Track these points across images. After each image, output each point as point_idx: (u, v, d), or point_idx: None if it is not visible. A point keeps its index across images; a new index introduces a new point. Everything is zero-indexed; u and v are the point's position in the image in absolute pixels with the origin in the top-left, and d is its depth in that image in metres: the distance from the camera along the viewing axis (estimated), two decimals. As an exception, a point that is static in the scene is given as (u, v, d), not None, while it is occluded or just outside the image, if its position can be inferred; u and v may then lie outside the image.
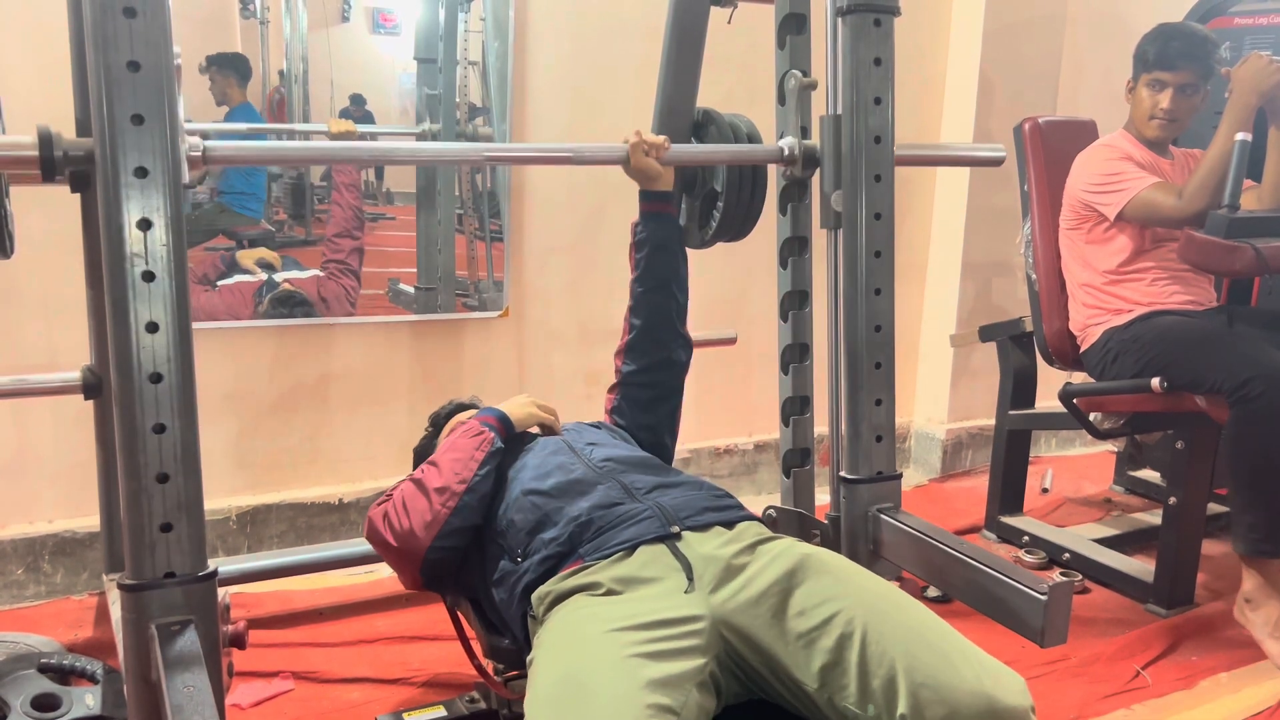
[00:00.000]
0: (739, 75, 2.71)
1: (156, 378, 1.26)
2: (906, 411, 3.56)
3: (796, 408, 1.97)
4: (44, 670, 1.87)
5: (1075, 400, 2.51)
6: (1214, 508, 2.80)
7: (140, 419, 1.26)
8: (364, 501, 2.68)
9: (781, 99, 1.91)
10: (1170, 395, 2.29)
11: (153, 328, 1.26)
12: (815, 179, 1.87)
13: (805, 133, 1.88)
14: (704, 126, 2.14)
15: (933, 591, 2.41)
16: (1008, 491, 2.95)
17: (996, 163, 2.03)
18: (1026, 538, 2.84)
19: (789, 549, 1.38)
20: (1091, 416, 2.53)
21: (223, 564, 1.93)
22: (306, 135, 2.53)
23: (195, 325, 1.33)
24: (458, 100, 2.66)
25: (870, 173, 1.74)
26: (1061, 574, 2.67)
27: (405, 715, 1.80)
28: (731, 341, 2.65)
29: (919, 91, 3.33)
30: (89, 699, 1.81)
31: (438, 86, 2.62)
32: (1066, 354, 2.70)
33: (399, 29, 2.59)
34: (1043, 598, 1.45)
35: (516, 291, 2.82)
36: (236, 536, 2.57)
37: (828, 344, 1.85)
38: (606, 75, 2.79)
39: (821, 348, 1.90)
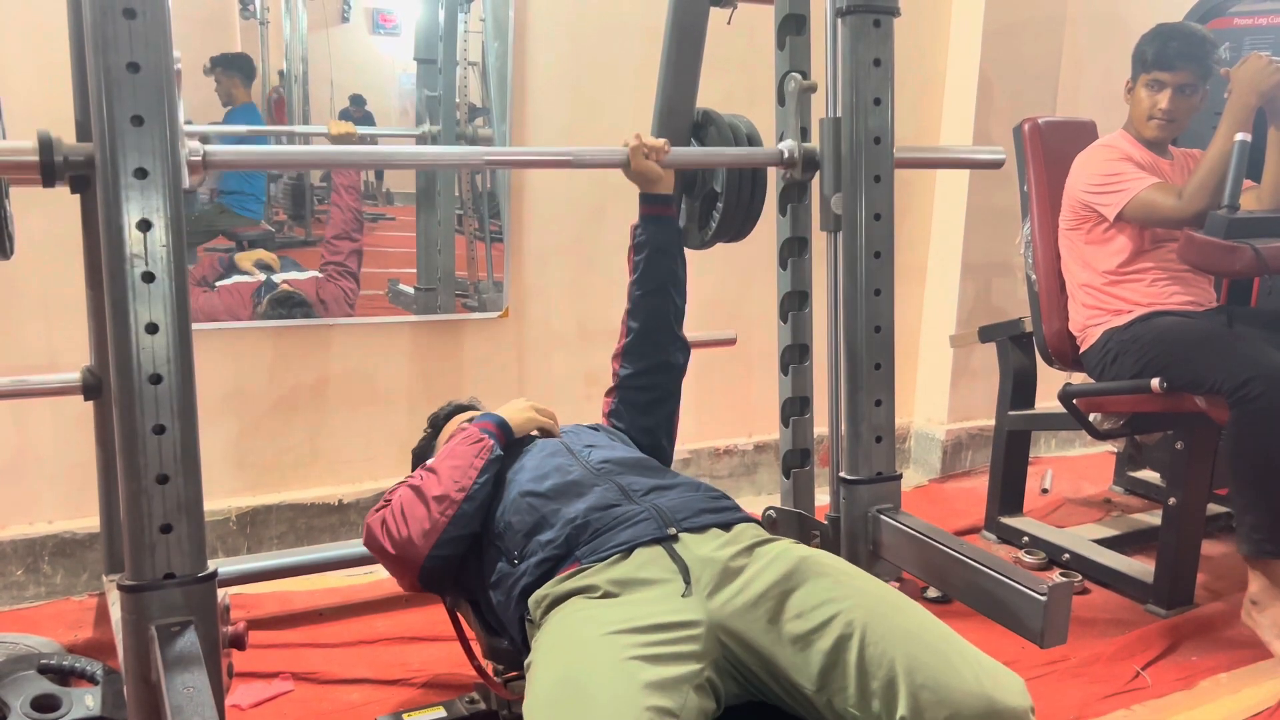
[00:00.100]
0: (739, 76, 2.71)
1: (156, 379, 1.26)
2: (906, 412, 3.56)
3: (796, 408, 1.97)
4: (44, 671, 1.87)
5: (1075, 401, 2.51)
6: (1214, 508, 2.81)
7: (140, 420, 1.26)
8: (363, 502, 2.68)
9: (781, 101, 1.92)
10: (1170, 396, 2.29)
11: (152, 329, 1.26)
12: (815, 181, 1.87)
13: (805, 134, 1.88)
14: (704, 127, 2.14)
15: (932, 592, 2.41)
16: (1007, 492, 2.95)
17: (996, 165, 2.03)
18: (1026, 538, 2.84)
19: (786, 551, 1.38)
20: (1091, 417, 2.53)
21: (222, 565, 1.93)
22: (307, 138, 2.54)
23: (195, 326, 1.33)
24: (457, 101, 2.66)
25: (870, 173, 1.74)
26: (1061, 574, 2.67)
27: (405, 716, 1.80)
28: (731, 342, 2.65)
29: (918, 92, 3.33)
30: (89, 700, 1.81)
31: (437, 87, 2.63)
32: (1066, 354, 2.70)
33: (399, 29, 2.59)
34: (1042, 598, 1.45)
35: (516, 292, 2.82)
36: (236, 537, 2.57)
37: (827, 345, 1.85)
38: (606, 75, 2.79)
39: (821, 348, 1.90)
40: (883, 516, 1.76)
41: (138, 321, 1.25)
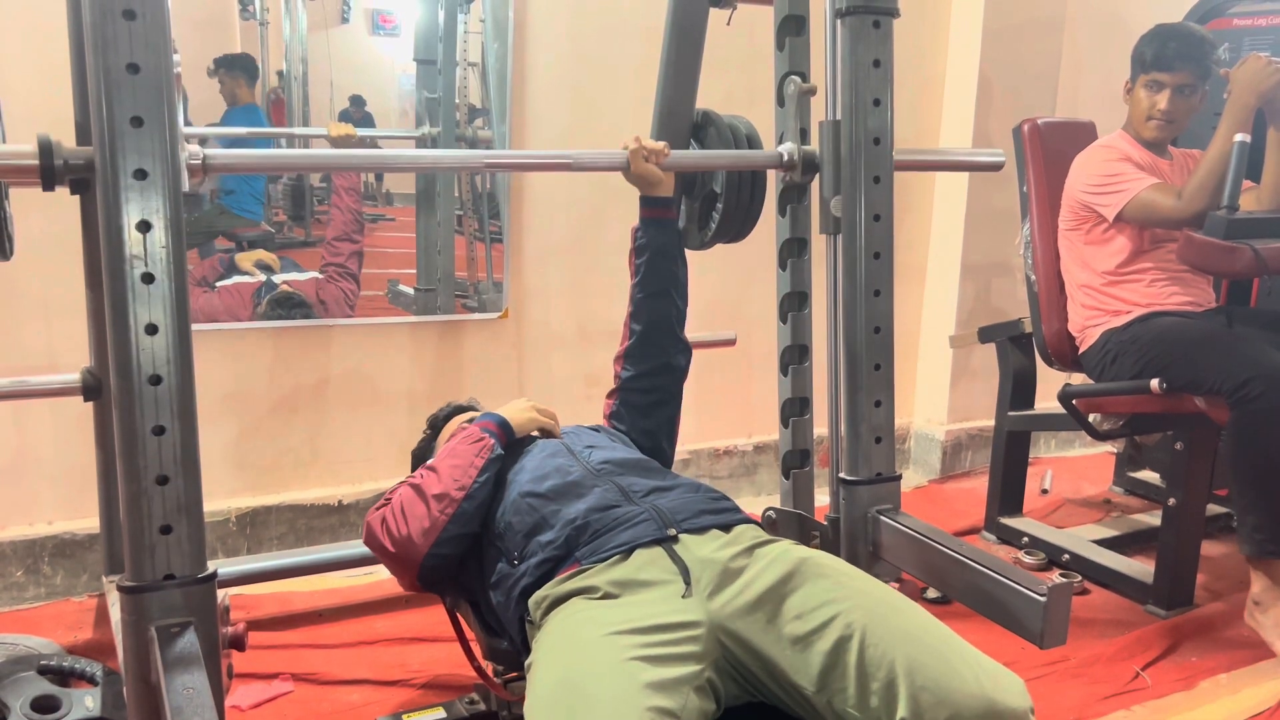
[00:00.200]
0: (738, 76, 2.71)
1: (156, 380, 1.26)
2: (906, 413, 3.56)
3: (796, 409, 1.97)
4: (44, 672, 1.87)
5: (1074, 401, 2.51)
6: (1214, 508, 2.81)
7: (140, 421, 1.26)
8: (363, 503, 2.68)
9: (781, 103, 1.92)
10: (1169, 396, 2.29)
11: (152, 330, 1.26)
12: (815, 182, 1.87)
13: (805, 136, 1.88)
14: (703, 128, 2.14)
15: (932, 593, 2.41)
16: (1007, 493, 2.95)
17: (996, 168, 2.03)
18: (1026, 539, 2.84)
19: (786, 552, 1.38)
20: (1091, 417, 2.53)
21: (222, 565, 1.93)
22: (306, 140, 2.53)
23: (195, 327, 1.33)
24: (457, 102, 2.66)
25: (869, 174, 1.74)
26: (1061, 575, 2.67)
27: (405, 717, 1.81)
28: (731, 343, 2.65)
29: (918, 93, 3.33)
30: (89, 701, 1.81)
31: (437, 88, 2.63)
32: (1066, 355, 2.70)
33: (398, 30, 2.59)
34: (1042, 599, 1.45)
35: (516, 293, 2.82)
36: (236, 538, 2.57)
37: (827, 345, 1.85)
38: (606, 76, 2.79)
39: (821, 349, 1.90)
40: (882, 517, 1.76)
41: (137, 322, 1.25)
